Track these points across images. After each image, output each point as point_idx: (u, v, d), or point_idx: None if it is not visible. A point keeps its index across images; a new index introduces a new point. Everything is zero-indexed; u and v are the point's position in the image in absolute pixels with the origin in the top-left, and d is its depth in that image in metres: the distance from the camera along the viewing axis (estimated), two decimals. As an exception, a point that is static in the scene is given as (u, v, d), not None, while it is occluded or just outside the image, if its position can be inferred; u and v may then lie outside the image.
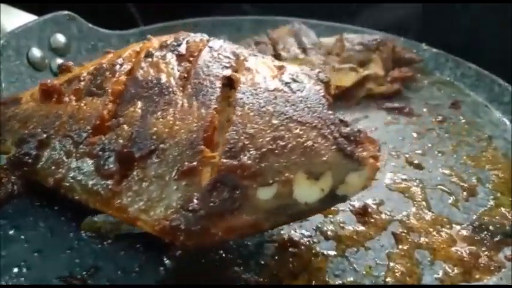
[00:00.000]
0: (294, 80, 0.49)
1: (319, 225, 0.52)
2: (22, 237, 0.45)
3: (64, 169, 0.44)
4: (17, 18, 0.86)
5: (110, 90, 0.48)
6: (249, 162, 0.39)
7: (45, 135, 0.46)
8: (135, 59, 0.53)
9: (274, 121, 0.43)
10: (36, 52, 0.76)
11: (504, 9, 0.94)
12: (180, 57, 0.52)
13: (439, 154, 0.70)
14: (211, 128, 0.43)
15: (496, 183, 0.63)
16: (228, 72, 0.49)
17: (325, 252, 0.49)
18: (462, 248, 0.51)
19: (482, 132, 0.76)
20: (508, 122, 0.78)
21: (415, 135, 0.75)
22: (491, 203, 0.59)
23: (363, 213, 0.55)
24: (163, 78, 0.48)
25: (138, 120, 0.44)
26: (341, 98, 0.82)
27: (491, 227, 0.54)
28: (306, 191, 0.41)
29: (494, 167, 0.67)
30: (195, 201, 0.38)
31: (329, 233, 0.51)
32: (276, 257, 0.47)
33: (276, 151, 0.41)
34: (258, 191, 0.40)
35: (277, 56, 0.86)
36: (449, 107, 0.84)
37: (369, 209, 0.55)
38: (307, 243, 0.49)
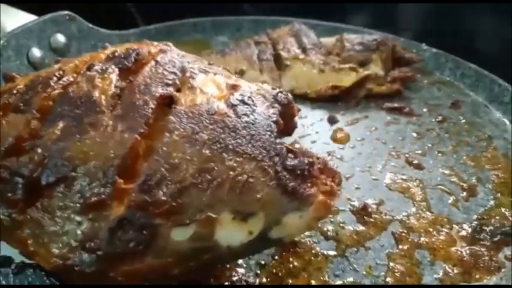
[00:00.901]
0: (243, 102, 0.42)
1: (319, 225, 0.52)
2: None
3: None
4: (17, 18, 0.86)
5: (36, 107, 0.42)
6: (164, 198, 0.35)
7: None
8: (80, 71, 0.46)
9: (206, 151, 0.37)
10: (36, 52, 0.75)
11: (504, 9, 0.94)
12: (123, 72, 0.45)
13: (439, 154, 0.69)
14: (132, 156, 0.37)
15: (496, 183, 0.63)
16: (168, 90, 0.43)
17: (325, 252, 0.49)
18: (462, 248, 0.51)
19: (482, 132, 0.76)
20: (508, 122, 0.78)
21: (415, 135, 0.74)
22: (491, 203, 0.59)
23: (363, 213, 0.55)
24: (96, 95, 0.42)
25: (55, 143, 0.38)
26: (341, 98, 0.82)
27: (491, 227, 0.54)
28: (230, 233, 0.36)
29: (494, 167, 0.67)
30: (96, 240, 0.34)
31: (329, 233, 0.51)
32: (276, 257, 0.47)
33: (200, 186, 0.35)
34: (172, 231, 0.35)
35: (277, 56, 0.86)
36: (449, 107, 0.83)
37: (369, 209, 0.55)
38: (307, 243, 0.49)
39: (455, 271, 0.47)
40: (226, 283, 0.42)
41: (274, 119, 0.42)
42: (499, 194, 0.60)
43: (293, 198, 0.37)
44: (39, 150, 0.38)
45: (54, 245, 0.35)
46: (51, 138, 0.39)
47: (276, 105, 0.44)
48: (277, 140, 0.39)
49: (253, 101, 0.43)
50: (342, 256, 0.48)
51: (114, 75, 0.45)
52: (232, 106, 0.42)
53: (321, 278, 0.45)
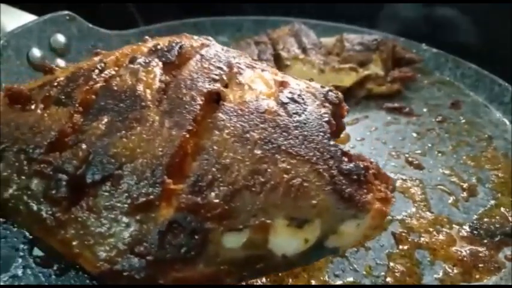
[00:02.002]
0: (294, 100, 0.40)
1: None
2: None
3: (13, 188, 0.37)
4: (17, 18, 0.86)
5: (78, 100, 0.40)
6: (216, 200, 0.33)
7: (0, 147, 0.39)
8: (121, 63, 0.45)
9: (257, 151, 0.35)
10: (36, 52, 0.75)
11: (504, 10, 0.94)
12: (167, 66, 0.44)
13: (439, 154, 0.69)
14: (180, 154, 0.35)
15: (496, 183, 0.63)
16: (215, 86, 0.41)
17: (325, 252, 0.48)
18: (462, 248, 0.51)
19: (482, 132, 0.76)
20: (508, 122, 0.78)
21: (415, 135, 0.74)
22: (491, 203, 0.59)
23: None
24: (140, 89, 0.40)
25: (100, 138, 0.37)
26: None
27: (491, 227, 0.54)
28: (285, 241, 0.34)
29: (494, 167, 0.67)
30: (145, 244, 0.33)
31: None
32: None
33: (253, 189, 0.33)
34: (224, 237, 0.33)
35: (277, 56, 0.86)
36: (449, 107, 0.83)
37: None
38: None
39: (455, 271, 0.47)
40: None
41: (327, 119, 0.40)
42: (499, 194, 0.60)
43: (350, 205, 0.35)
44: (84, 146, 0.37)
45: (100, 247, 0.33)
46: (96, 133, 0.37)
47: (327, 104, 0.42)
48: (331, 142, 0.37)
49: (303, 99, 0.41)
50: (342, 256, 0.48)
51: (157, 68, 0.43)
52: (283, 104, 0.39)
53: (321, 278, 0.45)
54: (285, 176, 0.34)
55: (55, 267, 0.39)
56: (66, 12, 0.81)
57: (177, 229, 0.32)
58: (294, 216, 0.34)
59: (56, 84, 0.43)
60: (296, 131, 0.37)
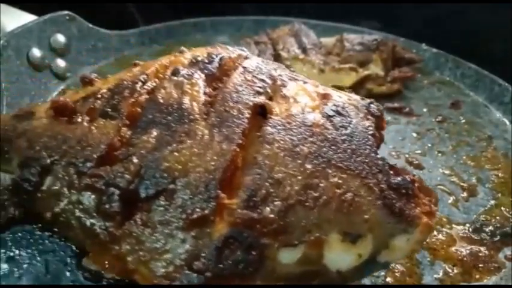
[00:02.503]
0: (339, 113, 0.40)
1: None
2: (16, 270, 0.39)
3: (64, 202, 0.38)
4: (17, 18, 0.86)
5: (125, 113, 0.41)
6: (272, 216, 0.33)
7: (48, 161, 0.39)
8: (162, 75, 0.45)
9: (308, 165, 0.35)
10: (36, 52, 0.75)
11: (504, 10, 0.95)
12: (209, 78, 0.44)
13: (439, 154, 0.70)
14: (232, 168, 0.35)
15: (496, 183, 0.63)
16: (260, 99, 0.41)
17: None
18: (462, 248, 0.51)
19: (482, 132, 0.76)
20: (508, 122, 0.79)
21: (415, 135, 0.74)
22: (491, 203, 0.59)
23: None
24: (186, 102, 0.40)
25: (150, 152, 0.37)
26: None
27: (491, 227, 0.54)
28: (340, 256, 0.34)
29: (494, 167, 0.67)
30: (202, 259, 0.32)
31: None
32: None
33: (307, 204, 0.34)
34: (280, 253, 0.33)
35: (277, 56, 0.86)
36: (449, 107, 0.84)
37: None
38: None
39: (455, 271, 0.47)
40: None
41: (372, 132, 0.40)
42: (499, 194, 0.60)
43: (400, 219, 0.35)
44: (135, 160, 0.37)
45: (157, 263, 0.33)
46: (146, 147, 0.37)
47: (370, 117, 0.42)
48: (378, 155, 0.37)
49: (347, 112, 0.41)
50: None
51: (201, 81, 0.43)
52: (328, 117, 0.40)
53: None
54: (337, 190, 0.34)
55: (104, 282, 0.38)
56: (66, 12, 0.81)
57: (233, 244, 0.32)
58: (347, 231, 0.34)
59: (99, 96, 0.43)
60: (344, 145, 0.37)
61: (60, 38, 0.81)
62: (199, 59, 0.47)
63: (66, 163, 0.39)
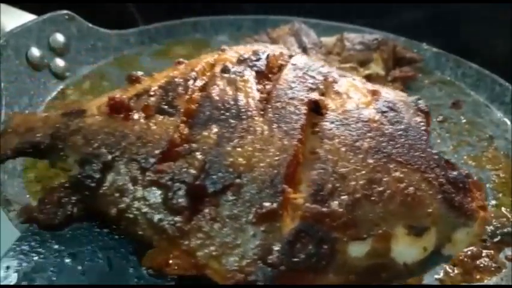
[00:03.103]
0: (392, 109, 0.42)
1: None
2: (79, 267, 0.39)
3: (128, 198, 0.38)
4: (17, 18, 0.86)
5: (182, 110, 0.42)
6: (340, 210, 0.33)
7: (110, 157, 0.40)
8: (209, 73, 0.47)
9: (370, 160, 0.36)
10: (35, 52, 0.75)
11: (504, 10, 0.94)
12: (259, 75, 0.46)
13: (440, 154, 0.69)
14: (294, 163, 0.37)
15: (496, 183, 0.63)
16: (314, 95, 0.43)
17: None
18: (462, 248, 0.51)
19: (483, 132, 0.76)
20: (509, 122, 0.78)
21: (415, 135, 0.74)
22: (492, 203, 0.59)
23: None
24: (242, 99, 0.42)
25: (213, 147, 0.38)
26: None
27: (492, 227, 0.54)
28: (406, 250, 0.35)
29: (495, 167, 0.67)
30: (275, 253, 0.33)
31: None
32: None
33: (372, 198, 0.34)
34: (350, 246, 0.34)
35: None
36: (450, 107, 0.83)
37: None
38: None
39: (456, 271, 0.47)
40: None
41: (424, 127, 0.41)
42: (500, 194, 0.60)
43: (460, 213, 0.36)
44: (199, 156, 0.37)
45: (229, 257, 0.33)
46: (208, 142, 0.38)
47: (419, 113, 0.43)
48: (433, 150, 0.39)
49: (398, 107, 0.42)
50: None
51: (252, 78, 0.45)
52: (383, 113, 0.41)
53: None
54: (399, 185, 0.35)
55: (169, 278, 0.38)
56: (66, 11, 0.81)
57: (304, 238, 0.33)
58: (411, 225, 0.35)
59: (152, 93, 0.44)
60: (401, 140, 0.38)
61: (60, 37, 0.81)
62: (245, 56, 0.48)
63: (128, 159, 0.39)
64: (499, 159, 0.69)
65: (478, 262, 0.49)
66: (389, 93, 0.44)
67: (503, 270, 0.49)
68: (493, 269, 0.48)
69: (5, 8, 0.91)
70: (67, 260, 0.39)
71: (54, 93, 0.77)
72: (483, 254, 0.50)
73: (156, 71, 0.89)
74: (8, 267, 0.37)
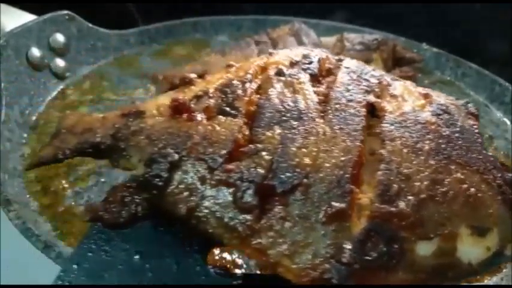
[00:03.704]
0: (446, 112, 0.43)
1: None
2: (147, 266, 0.39)
3: (197, 197, 0.39)
4: (17, 18, 0.86)
5: (243, 111, 0.43)
6: (408, 210, 0.35)
7: (177, 157, 0.41)
8: (262, 75, 0.48)
9: (432, 161, 0.37)
10: (35, 52, 0.75)
11: (504, 10, 0.94)
12: (312, 77, 0.47)
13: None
14: (358, 164, 0.38)
15: (496, 183, 0.63)
16: (370, 98, 0.44)
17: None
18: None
19: (483, 132, 0.77)
20: (508, 122, 0.78)
21: (415, 135, 0.74)
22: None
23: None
24: (301, 101, 0.43)
25: (278, 148, 0.39)
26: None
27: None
28: (471, 249, 0.36)
29: (495, 167, 0.67)
30: (348, 252, 0.34)
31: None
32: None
33: (436, 198, 0.36)
34: (417, 245, 0.35)
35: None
36: (450, 107, 0.83)
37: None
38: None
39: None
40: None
41: (477, 130, 0.42)
42: (499, 194, 0.59)
43: None
44: (266, 156, 0.38)
45: (301, 256, 0.34)
46: (273, 143, 0.39)
47: (470, 116, 0.45)
48: (489, 152, 0.40)
49: (451, 110, 0.43)
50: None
51: (307, 80, 0.46)
52: (438, 115, 0.42)
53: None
54: (461, 186, 0.36)
55: (235, 277, 0.38)
56: (66, 11, 0.81)
57: (374, 237, 0.34)
58: (474, 225, 0.36)
59: (211, 95, 0.45)
60: (459, 142, 0.40)
61: (60, 37, 0.81)
62: (297, 59, 0.50)
63: (195, 159, 0.40)
64: (499, 159, 0.69)
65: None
66: (439, 97, 0.46)
67: (503, 271, 0.49)
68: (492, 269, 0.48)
69: (5, 8, 0.91)
70: (135, 258, 0.39)
71: (54, 93, 0.77)
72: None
73: (156, 71, 0.89)
74: (77, 265, 0.38)
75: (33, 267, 0.51)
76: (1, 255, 0.55)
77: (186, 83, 0.50)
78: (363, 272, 0.33)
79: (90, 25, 0.87)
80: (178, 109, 0.44)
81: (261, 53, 0.86)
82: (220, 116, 0.43)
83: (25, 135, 0.67)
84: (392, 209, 0.34)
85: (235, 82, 0.46)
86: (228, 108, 0.43)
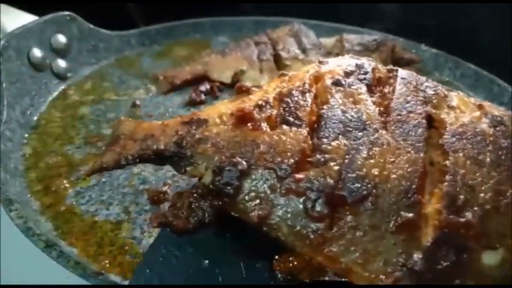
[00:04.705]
0: (501, 123, 0.43)
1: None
2: (217, 271, 0.41)
3: (268, 205, 0.39)
4: (18, 19, 0.86)
5: (306, 121, 0.43)
6: (474, 220, 0.36)
7: (246, 165, 0.41)
8: (317, 85, 0.48)
9: (493, 173, 0.38)
10: (37, 52, 0.76)
11: (504, 9, 0.94)
12: (368, 88, 0.47)
13: None
14: (423, 175, 0.39)
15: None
16: (429, 109, 0.44)
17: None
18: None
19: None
20: (507, 122, 0.78)
21: (414, 135, 0.74)
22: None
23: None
24: (363, 112, 0.43)
25: (346, 158, 0.39)
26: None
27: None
28: None
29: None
30: (418, 260, 0.35)
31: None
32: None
33: (500, 209, 0.37)
34: (483, 255, 0.36)
35: (277, 57, 0.86)
36: (449, 107, 0.83)
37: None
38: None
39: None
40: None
41: None
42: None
43: None
44: (335, 166, 0.39)
45: (374, 263, 0.36)
46: (339, 153, 0.40)
47: None
48: None
49: (505, 122, 0.44)
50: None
51: (365, 91, 0.46)
52: (495, 127, 0.43)
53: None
54: None
55: (307, 283, 0.39)
56: (67, 12, 0.82)
57: (443, 247, 0.35)
58: None
59: (272, 105, 0.46)
60: None
61: (61, 38, 0.81)
62: (352, 69, 0.50)
63: (264, 167, 0.41)
64: None
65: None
66: (491, 107, 0.47)
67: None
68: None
69: (5, 8, 0.91)
70: (205, 263, 0.41)
71: (55, 94, 0.77)
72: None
73: (156, 71, 0.89)
74: (150, 270, 0.40)
75: (34, 266, 0.51)
76: (1, 255, 0.55)
77: (243, 91, 0.49)
78: (434, 281, 0.34)
79: (92, 26, 0.87)
80: (243, 118, 0.44)
81: (261, 54, 0.86)
82: (285, 126, 0.43)
83: (26, 135, 0.67)
84: (461, 219, 0.36)
85: (294, 92, 0.46)
86: (291, 118, 0.44)
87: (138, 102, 0.77)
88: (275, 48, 0.89)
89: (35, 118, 0.71)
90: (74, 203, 0.55)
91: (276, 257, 0.41)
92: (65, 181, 0.58)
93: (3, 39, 0.69)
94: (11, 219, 0.48)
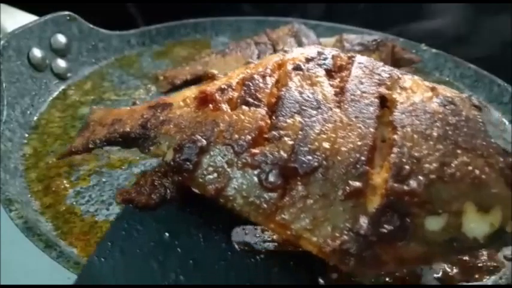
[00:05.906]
0: (451, 103, 0.46)
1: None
2: (176, 242, 0.43)
3: (225, 178, 0.42)
4: (18, 19, 0.86)
5: (265, 102, 0.47)
6: (418, 188, 0.38)
7: (205, 142, 0.44)
8: (279, 71, 0.51)
9: (439, 146, 0.40)
10: (36, 52, 0.76)
11: (504, 10, 0.94)
12: (327, 72, 0.50)
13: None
14: (372, 149, 0.41)
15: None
16: (382, 90, 0.47)
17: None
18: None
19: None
20: (507, 123, 0.78)
21: (414, 135, 0.74)
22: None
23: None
24: (319, 93, 0.46)
25: (299, 134, 0.42)
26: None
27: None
28: (475, 225, 0.39)
29: (494, 167, 0.67)
30: (364, 225, 0.37)
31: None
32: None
33: (445, 179, 0.39)
34: (426, 221, 0.38)
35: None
36: (449, 107, 0.83)
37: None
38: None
39: (455, 271, 0.47)
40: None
41: (481, 120, 0.45)
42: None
43: None
44: (288, 141, 0.42)
45: (322, 229, 0.38)
46: (294, 130, 0.42)
47: (474, 107, 0.48)
48: (492, 139, 0.43)
49: (456, 102, 0.46)
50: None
51: (323, 75, 0.49)
52: (444, 106, 0.45)
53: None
54: (466, 168, 0.39)
55: (262, 252, 0.43)
56: (67, 12, 0.82)
57: (389, 213, 0.37)
58: (479, 203, 0.39)
59: (234, 88, 0.49)
60: (464, 129, 0.42)
61: (61, 38, 0.81)
62: (313, 56, 0.53)
63: (222, 144, 0.44)
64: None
65: (476, 261, 0.49)
66: (445, 90, 0.49)
67: (502, 270, 0.49)
68: (491, 268, 0.48)
69: (5, 8, 0.91)
70: (165, 235, 0.43)
71: (55, 94, 0.78)
72: (482, 254, 0.50)
73: (156, 71, 0.89)
74: (111, 242, 0.42)
75: (34, 266, 0.51)
76: (1, 255, 0.55)
77: (209, 78, 0.54)
78: (380, 243, 0.36)
79: (91, 26, 0.87)
80: (204, 100, 0.48)
81: (261, 54, 0.86)
82: (244, 107, 0.46)
83: (26, 135, 0.67)
84: (405, 187, 0.38)
85: (256, 76, 0.49)
86: (250, 100, 0.47)
87: (138, 102, 0.77)
88: (275, 49, 0.89)
89: (35, 118, 0.71)
90: (74, 203, 0.55)
91: (237, 228, 0.44)
92: (65, 181, 0.58)
93: (3, 39, 0.69)
94: (11, 219, 0.48)
